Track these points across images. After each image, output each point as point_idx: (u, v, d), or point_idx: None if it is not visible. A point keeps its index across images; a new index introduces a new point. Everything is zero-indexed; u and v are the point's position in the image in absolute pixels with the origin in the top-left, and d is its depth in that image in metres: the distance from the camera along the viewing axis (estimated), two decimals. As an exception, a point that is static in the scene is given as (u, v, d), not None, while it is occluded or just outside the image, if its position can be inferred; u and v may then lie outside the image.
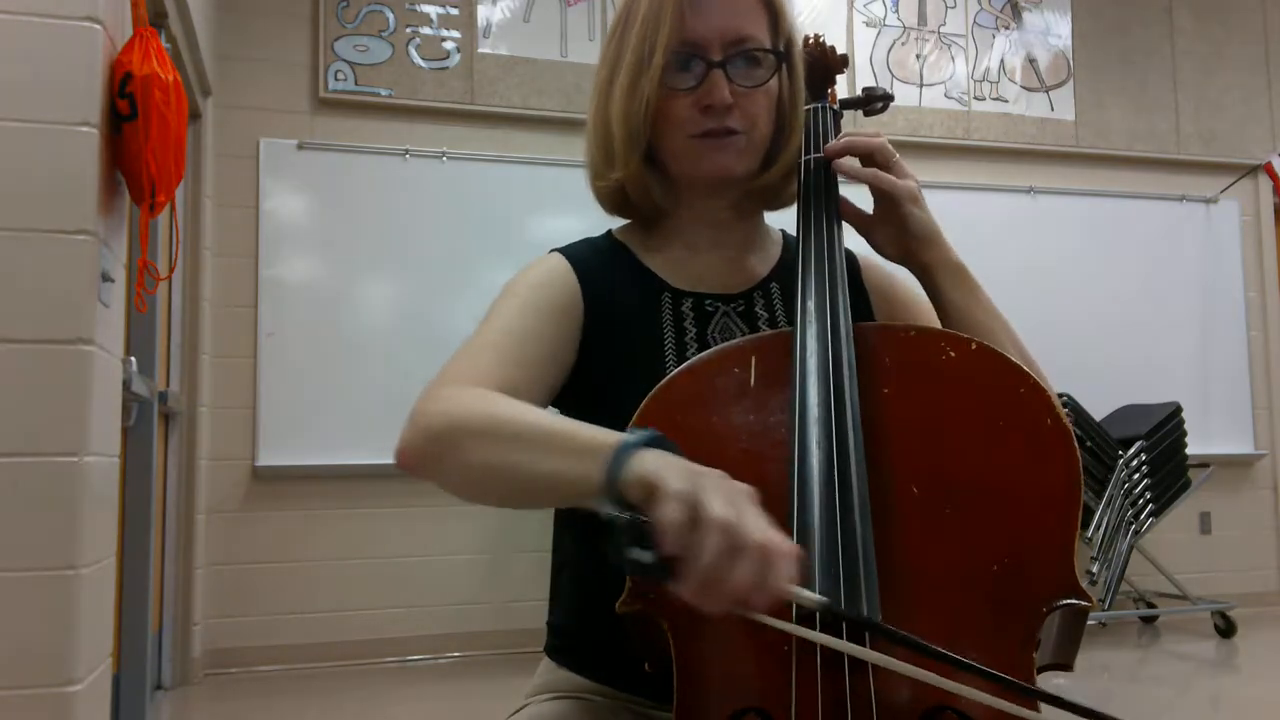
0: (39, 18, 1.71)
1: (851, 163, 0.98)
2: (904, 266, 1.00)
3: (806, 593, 0.65)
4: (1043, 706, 0.66)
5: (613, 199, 1.04)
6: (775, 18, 1.00)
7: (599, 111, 1.01)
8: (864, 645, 0.68)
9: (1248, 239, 5.05)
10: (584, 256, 1.03)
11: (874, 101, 1.10)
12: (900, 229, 0.97)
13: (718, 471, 0.67)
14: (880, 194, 0.98)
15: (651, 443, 0.70)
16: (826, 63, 1.09)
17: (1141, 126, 4.95)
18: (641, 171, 1.00)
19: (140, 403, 2.65)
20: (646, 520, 0.64)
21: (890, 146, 0.98)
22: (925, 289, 0.99)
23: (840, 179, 1.00)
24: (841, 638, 0.69)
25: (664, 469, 0.66)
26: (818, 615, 0.67)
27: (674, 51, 0.95)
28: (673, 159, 1.00)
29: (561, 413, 1.01)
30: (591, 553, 0.96)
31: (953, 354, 0.83)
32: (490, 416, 0.80)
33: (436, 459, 0.82)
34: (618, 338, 0.98)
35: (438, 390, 0.86)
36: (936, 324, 1.04)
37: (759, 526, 0.63)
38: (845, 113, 1.10)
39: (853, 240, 1.01)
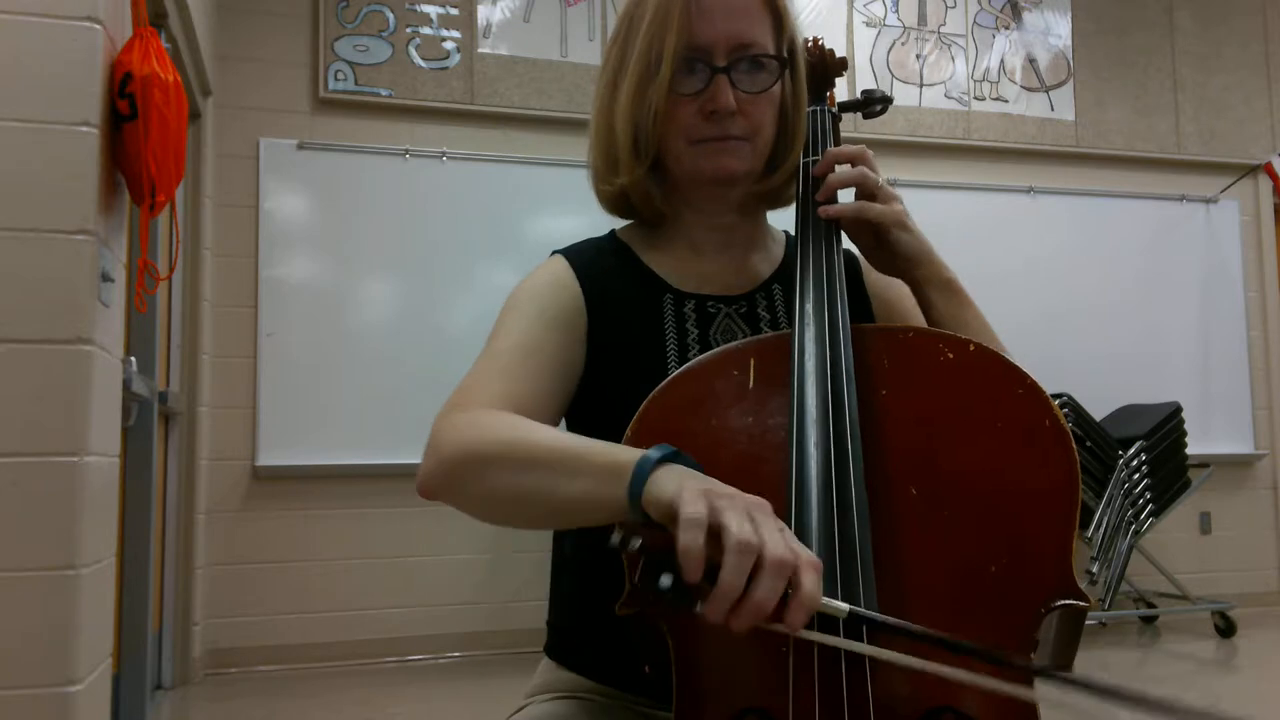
0: (39, 18, 1.71)
1: (839, 209, 0.98)
2: (896, 277, 1.00)
3: (833, 602, 0.65)
4: (1041, 689, 0.66)
5: (615, 203, 1.04)
6: (779, 22, 1.00)
7: (602, 116, 1.01)
8: (861, 641, 0.68)
9: (1248, 239, 5.05)
10: (586, 258, 1.04)
11: (873, 104, 1.10)
12: (890, 251, 0.98)
13: (730, 488, 0.67)
14: (863, 225, 0.97)
15: (666, 458, 0.71)
16: (826, 65, 1.09)
17: (1141, 126, 4.95)
18: (645, 178, 1.00)
19: (140, 403, 2.65)
20: (667, 548, 0.64)
21: (871, 172, 0.97)
22: (917, 301, 0.99)
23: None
24: (839, 636, 0.69)
25: (680, 491, 0.66)
26: (815, 618, 0.67)
27: (679, 56, 0.95)
28: (675, 162, 1.00)
29: (570, 416, 1.02)
30: (591, 553, 0.96)
31: (950, 355, 0.83)
32: (505, 443, 0.81)
33: (457, 489, 0.84)
34: (620, 339, 0.98)
35: (452, 417, 0.87)
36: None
37: (779, 541, 0.63)
38: (844, 115, 1.10)
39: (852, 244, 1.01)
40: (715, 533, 0.63)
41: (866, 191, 0.97)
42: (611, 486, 0.71)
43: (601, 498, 0.72)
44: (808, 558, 0.63)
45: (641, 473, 0.70)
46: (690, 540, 0.62)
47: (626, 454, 0.72)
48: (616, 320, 0.99)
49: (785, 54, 1.00)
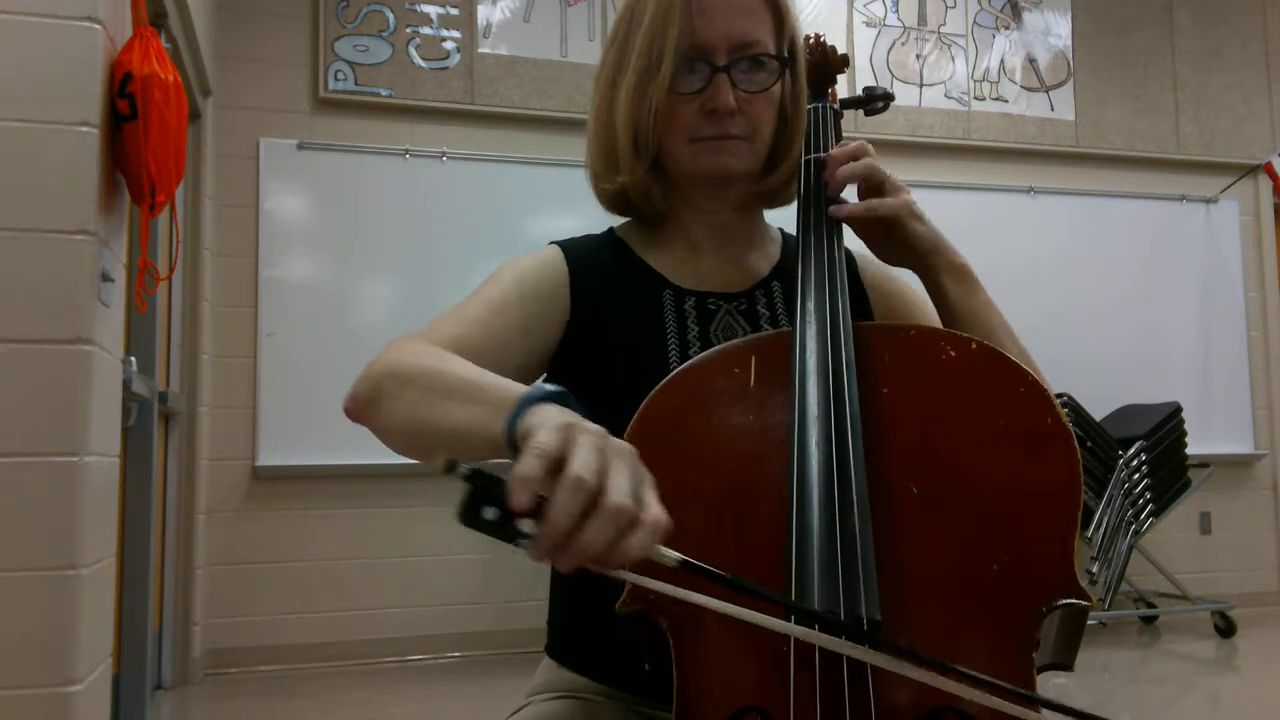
0: (39, 18, 1.71)
1: (850, 209, 0.97)
2: (905, 268, 1.00)
3: (665, 550, 0.61)
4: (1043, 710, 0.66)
5: (615, 201, 1.04)
6: (780, 22, 1.00)
7: (601, 115, 1.01)
8: (863, 645, 0.68)
9: (1248, 239, 5.05)
10: (582, 250, 1.04)
11: (874, 101, 1.10)
12: (902, 244, 0.98)
13: (599, 428, 0.63)
14: (874, 222, 0.97)
15: (552, 396, 0.69)
16: (827, 63, 1.09)
17: (1141, 126, 4.95)
18: (645, 176, 1.00)
19: (140, 403, 2.64)
20: (496, 475, 0.59)
21: (876, 164, 0.97)
22: (926, 287, 0.99)
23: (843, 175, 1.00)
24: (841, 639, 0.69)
25: (543, 422, 0.63)
26: (816, 623, 0.66)
27: (679, 55, 0.95)
28: (674, 161, 1.00)
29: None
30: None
31: (953, 353, 0.83)
32: (422, 366, 0.81)
33: (373, 406, 0.84)
34: (620, 336, 0.98)
35: (395, 343, 0.88)
36: (935, 318, 1.04)
37: (623, 488, 0.59)
38: (846, 112, 1.10)
39: (851, 239, 1.01)
40: (555, 468, 0.59)
41: (876, 183, 0.97)
42: (495, 418, 0.70)
43: (483, 428, 0.71)
44: (653, 514, 0.59)
45: (523, 404, 0.68)
46: (524, 468, 0.58)
47: (519, 389, 0.71)
48: (616, 316, 0.99)
49: (786, 53, 1.00)
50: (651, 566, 0.62)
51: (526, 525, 0.59)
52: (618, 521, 0.58)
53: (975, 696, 0.64)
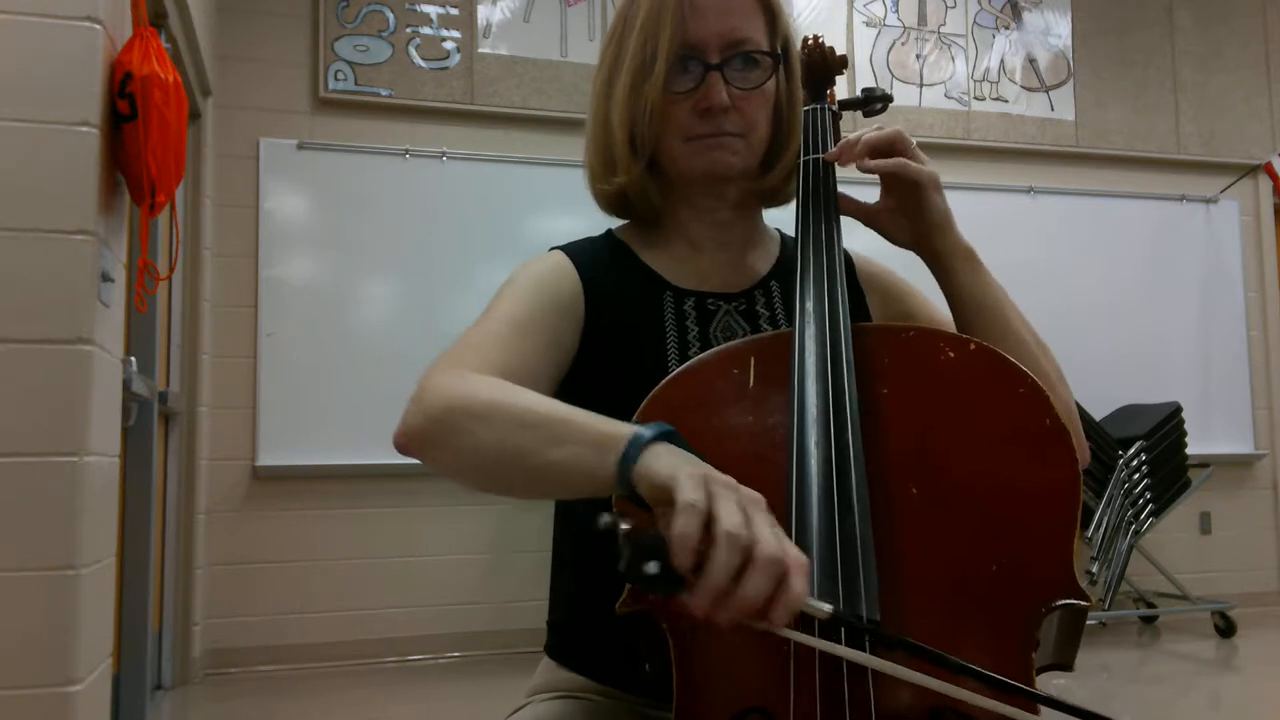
0: (39, 18, 1.71)
1: (880, 162, 0.96)
2: (914, 252, 1.00)
3: (817, 603, 0.64)
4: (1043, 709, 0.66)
5: (613, 202, 1.04)
6: (773, 19, 1.00)
7: (598, 116, 1.02)
8: (864, 649, 0.68)
9: (1248, 239, 5.05)
10: (585, 254, 1.04)
11: (873, 102, 1.10)
12: (917, 216, 0.97)
13: (728, 478, 0.65)
14: (902, 182, 0.96)
15: (663, 436, 0.69)
16: (826, 63, 1.09)
17: (1141, 126, 4.95)
18: (642, 177, 1.00)
19: (140, 403, 2.64)
20: (656, 533, 0.62)
21: (905, 133, 0.98)
22: (935, 273, 0.99)
23: (839, 172, 1.00)
24: (840, 640, 0.69)
25: (677, 472, 0.65)
26: (817, 622, 0.66)
27: (673, 54, 0.95)
28: (671, 161, 1.00)
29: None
30: (591, 552, 0.96)
31: (951, 354, 0.83)
32: (495, 400, 0.78)
33: (439, 441, 0.80)
34: (620, 337, 0.98)
35: (440, 373, 0.84)
36: (933, 313, 1.04)
37: (771, 539, 0.62)
38: (845, 113, 1.10)
39: (850, 238, 1.01)
40: (707, 522, 0.62)
41: (902, 149, 0.96)
42: (601, 456, 0.69)
43: (588, 466, 0.70)
44: (797, 558, 0.62)
45: (636, 446, 0.68)
46: (686, 526, 0.61)
47: (620, 426, 0.71)
48: (616, 317, 0.99)
49: (779, 50, 1.00)
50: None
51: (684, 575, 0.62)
52: (772, 573, 0.61)
53: (977, 700, 0.64)
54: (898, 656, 0.65)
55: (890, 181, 0.97)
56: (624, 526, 0.62)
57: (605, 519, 0.63)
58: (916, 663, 0.65)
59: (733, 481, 0.65)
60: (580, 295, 0.99)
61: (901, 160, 0.95)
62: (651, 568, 0.61)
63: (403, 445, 0.82)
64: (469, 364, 0.86)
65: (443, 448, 0.80)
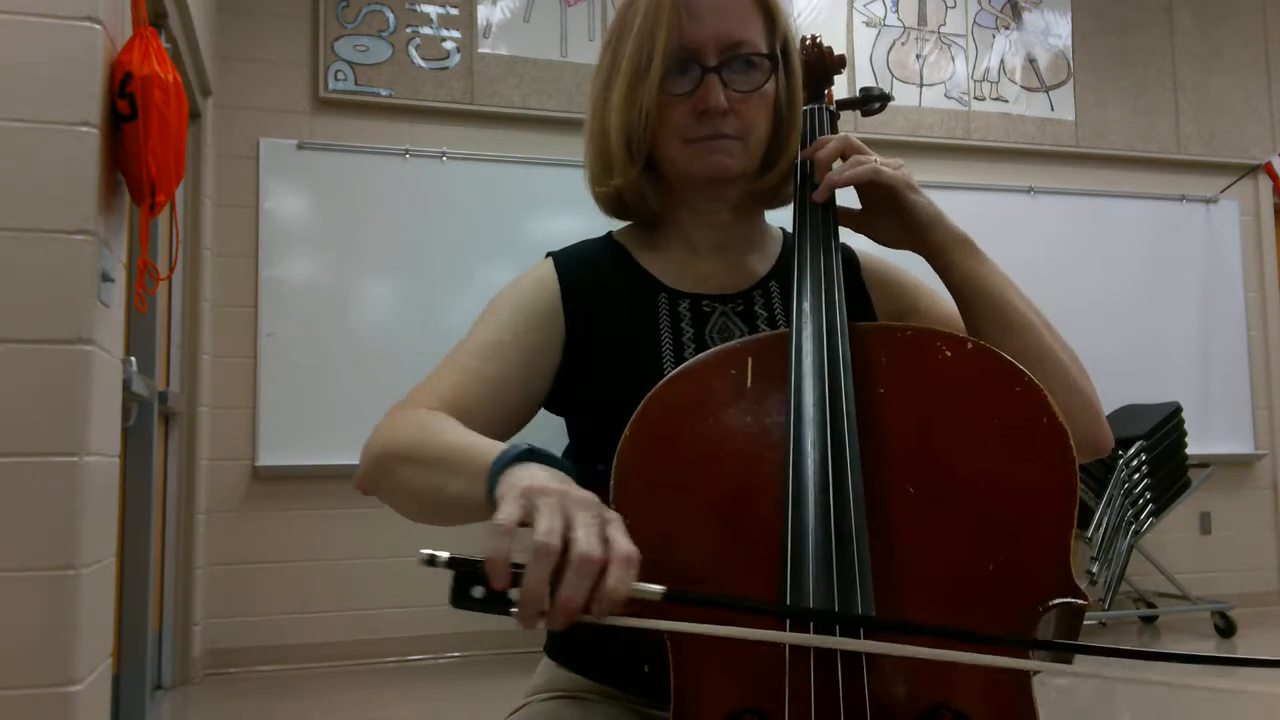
0: (39, 18, 1.71)
1: (854, 172, 0.97)
2: (911, 251, 1.00)
3: (647, 586, 0.64)
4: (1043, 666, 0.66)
5: (611, 205, 1.05)
6: (771, 20, 1.00)
7: (596, 119, 1.02)
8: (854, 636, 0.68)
9: (1248, 239, 5.05)
10: (575, 260, 1.04)
11: (871, 102, 1.10)
12: (903, 220, 0.97)
13: (561, 487, 0.66)
14: (877, 189, 0.97)
15: (523, 456, 0.72)
16: (824, 63, 1.09)
17: (1141, 126, 4.95)
18: (639, 179, 1.00)
19: (140, 403, 2.65)
20: (468, 561, 0.63)
21: (852, 138, 0.99)
22: (935, 267, 0.99)
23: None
24: (836, 636, 0.69)
25: (506, 493, 0.67)
26: (813, 624, 0.66)
27: (670, 57, 0.95)
28: (670, 163, 1.00)
29: (570, 419, 1.02)
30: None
31: (949, 354, 0.83)
32: (414, 441, 0.84)
33: (378, 484, 0.88)
34: (614, 341, 0.98)
35: (387, 417, 0.91)
36: (942, 308, 1.04)
37: (587, 537, 0.62)
38: (843, 113, 1.10)
39: (851, 236, 1.01)
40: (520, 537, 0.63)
41: (851, 153, 0.98)
42: (478, 485, 0.73)
43: (474, 496, 0.74)
44: (620, 551, 0.63)
45: (494, 472, 0.72)
46: (492, 549, 0.63)
47: (491, 452, 0.74)
48: (610, 321, 0.99)
49: (778, 52, 1.00)
50: (641, 603, 0.64)
51: (514, 594, 0.63)
52: (587, 571, 0.62)
53: (967, 658, 0.64)
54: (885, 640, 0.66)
55: (866, 189, 0.98)
56: (442, 556, 0.64)
57: (425, 552, 0.65)
58: (902, 638, 0.65)
59: (563, 488, 0.66)
60: (558, 305, 0.99)
61: (873, 167, 0.96)
62: (477, 592, 0.63)
63: (358, 488, 0.91)
64: (423, 400, 0.92)
65: (381, 489, 0.88)
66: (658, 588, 0.64)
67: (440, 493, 0.79)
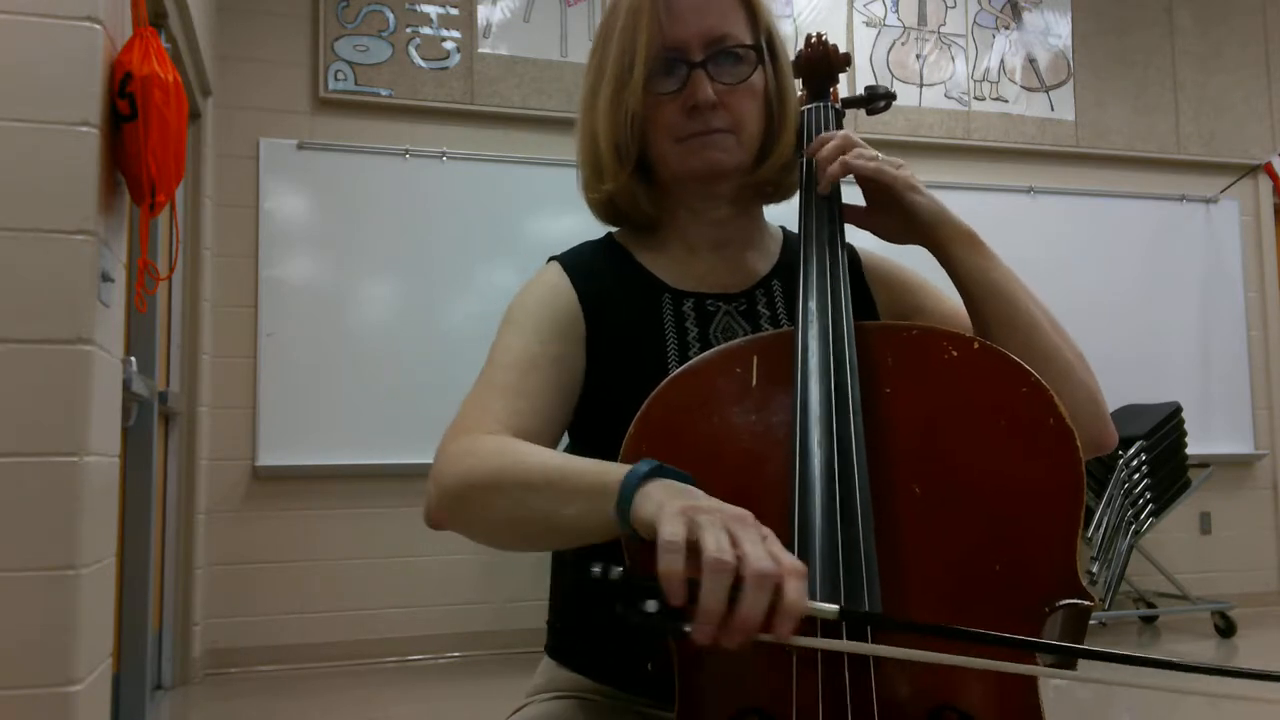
0: (39, 18, 1.71)
1: (861, 164, 0.96)
2: (915, 244, 1.00)
3: (822, 605, 0.64)
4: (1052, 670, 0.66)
5: (605, 210, 1.05)
6: (752, 13, 1.00)
7: (586, 124, 1.02)
8: (866, 640, 0.68)
9: (1248, 239, 5.05)
10: (582, 262, 1.03)
11: (876, 100, 1.10)
12: (906, 219, 0.97)
13: (712, 501, 0.66)
14: (879, 186, 0.97)
15: (652, 473, 0.70)
16: (829, 61, 1.08)
17: (1141, 126, 4.95)
18: (630, 183, 1.00)
19: (140, 403, 2.64)
20: (643, 577, 0.63)
21: (850, 134, 0.98)
22: (940, 261, 0.98)
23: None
24: (842, 638, 0.69)
25: (660, 511, 0.66)
26: (817, 623, 0.66)
27: (656, 58, 0.95)
28: (663, 163, 1.00)
29: (573, 419, 1.01)
30: (591, 553, 0.96)
31: (955, 353, 0.83)
32: (501, 468, 0.81)
33: (461, 516, 0.84)
34: (620, 342, 0.98)
35: (451, 445, 0.87)
36: (945, 307, 1.04)
37: (759, 553, 0.62)
38: (848, 111, 1.10)
39: (853, 235, 1.01)
40: (696, 551, 0.62)
41: (850, 148, 0.97)
42: (602, 507, 0.71)
43: (596, 519, 0.73)
44: (790, 565, 0.62)
45: (627, 492, 0.70)
46: (667, 565, 0.62)
47: (614, 473, 0.72)
48: (615, 322, 0.99)
49: (762, 44, 1.00)
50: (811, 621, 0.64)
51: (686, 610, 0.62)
52: (765, 585, 0.61)
53: (977, 664, 0.64)
54: (896, 639, 0.66)
55: (868, 186, 0.98)
56: (616, 571, 0.64)
57: (597, 568, 0.64)
58: (917, 641, 0.65)
59: (716, 503, 0.66)
60: (579, 311, 0.99)
61: (878, 165, 0.96)
62: (650, 606, 0.63)
63: (433, 524, 0.87)
64: (479, 424, 0.89)
65: (467, 522, 0.84)
66: (832, 607, 0.64)
67: (551, 518, 0.77)
